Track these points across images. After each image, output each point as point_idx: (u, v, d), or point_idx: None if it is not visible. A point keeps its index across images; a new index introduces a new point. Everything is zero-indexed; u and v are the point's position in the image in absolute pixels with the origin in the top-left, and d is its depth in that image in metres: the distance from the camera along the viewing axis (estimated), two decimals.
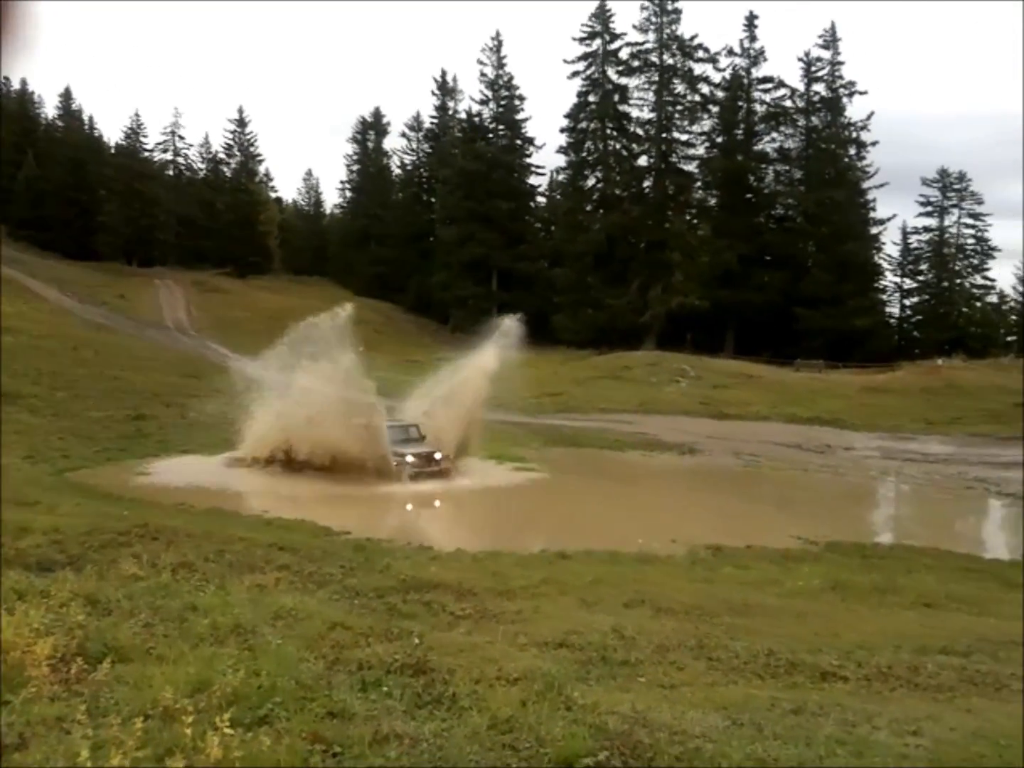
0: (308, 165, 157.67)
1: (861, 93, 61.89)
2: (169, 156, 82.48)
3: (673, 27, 62.50)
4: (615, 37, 64.23)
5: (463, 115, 74.69)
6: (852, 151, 62.96)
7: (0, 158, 67.05)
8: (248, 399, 20.63)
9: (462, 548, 12.73)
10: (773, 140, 65.18)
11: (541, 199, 77.48)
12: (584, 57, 64.81)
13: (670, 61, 62.93)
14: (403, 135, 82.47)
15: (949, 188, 63.66)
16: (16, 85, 77.43)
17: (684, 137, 64.67)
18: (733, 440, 29.02)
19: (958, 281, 63.87)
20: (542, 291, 63.28)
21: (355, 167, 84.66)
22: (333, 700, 4.37)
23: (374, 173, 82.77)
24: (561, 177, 71.90)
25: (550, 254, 68.91)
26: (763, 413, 35.67)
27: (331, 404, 19.71)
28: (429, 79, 79.35)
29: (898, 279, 65.74)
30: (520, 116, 71.27)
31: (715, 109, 64.35)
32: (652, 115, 63.89)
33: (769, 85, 64.02)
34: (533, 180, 74.35)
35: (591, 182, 67.56)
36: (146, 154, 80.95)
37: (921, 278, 65.41)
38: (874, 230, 63.16)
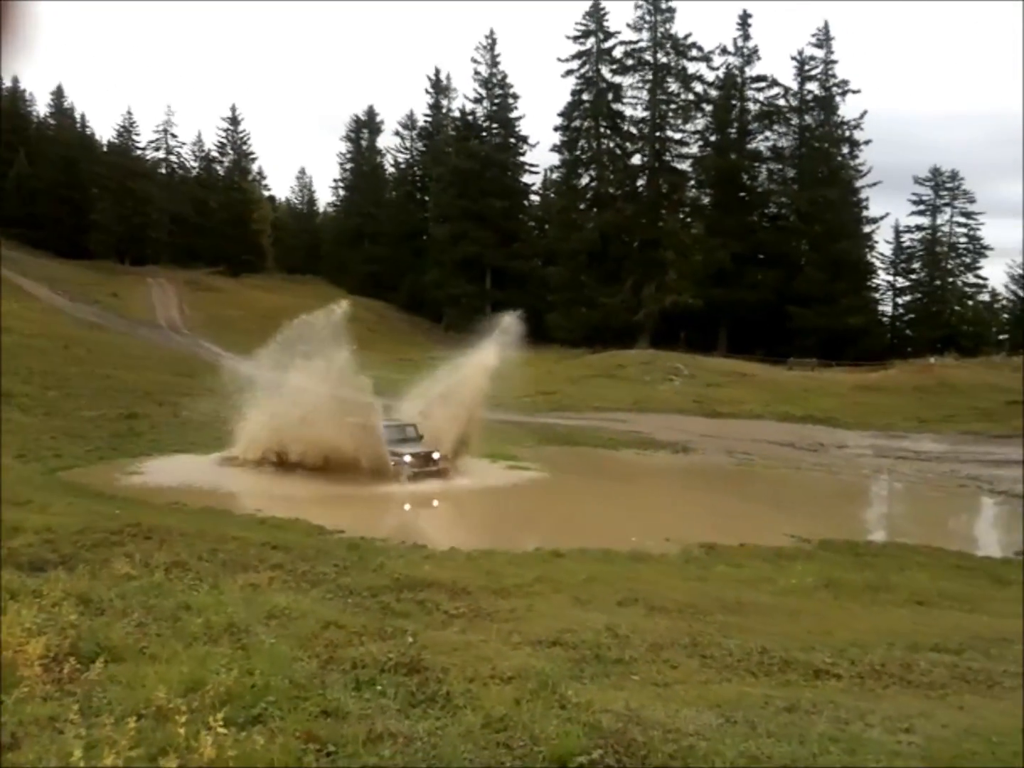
0: (301, 163, 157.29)
1: (854, 92, 62.29)
2: (162, 154, 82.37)
3: (667, 26, 62.69)
4: (609, 36, 64.31)
5: (457, 113, 74.84)
6: (845, 150, 63.20)
7: None
8: (241, 398, 20.53)
9: (456, 547, 12.73)
10: (766, 139, 65.47)
11: (535, 197, 77.70)
12: (578, 55, 64.87)
13: (664, 60, 63.04)
14: (396, 133, 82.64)
15: (941, 187, 63.96)
16: (7, 83, 77.12)
17: (678, 136, 64.91)
18: (726, 438, 29.07)
19: (950, 280, 64.15)
20: (536, 289, 63.34)
21: (348, 165, 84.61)
22: (327, 699, 4.36)
23: (367, 171, 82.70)
24: (555, 175, 71.94)
25: (544, 252, 68.96)
26: (756, 411, 35.74)
27: (326, 403, 19.52)
28: (423, 77, 79.13)
29: (891, 278, 66.13)
30: (514, 114, 71.36)
31: (708, 108, 64.50)
32: (646, 114, 64.00)
33: (762, 84, 64.24)
34: (527, 178, 74.60)
35: (585, 180, 67.64)
36: (138, 152, 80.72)
37: (914, 277, 65.67)
38: (867, 229, 63.47)
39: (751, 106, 65.18)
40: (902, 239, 65.72)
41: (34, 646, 4.48)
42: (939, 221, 64.51)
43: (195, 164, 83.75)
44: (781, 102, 64.25)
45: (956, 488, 22.13)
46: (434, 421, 21.34)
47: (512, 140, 72.01)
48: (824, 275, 57.98)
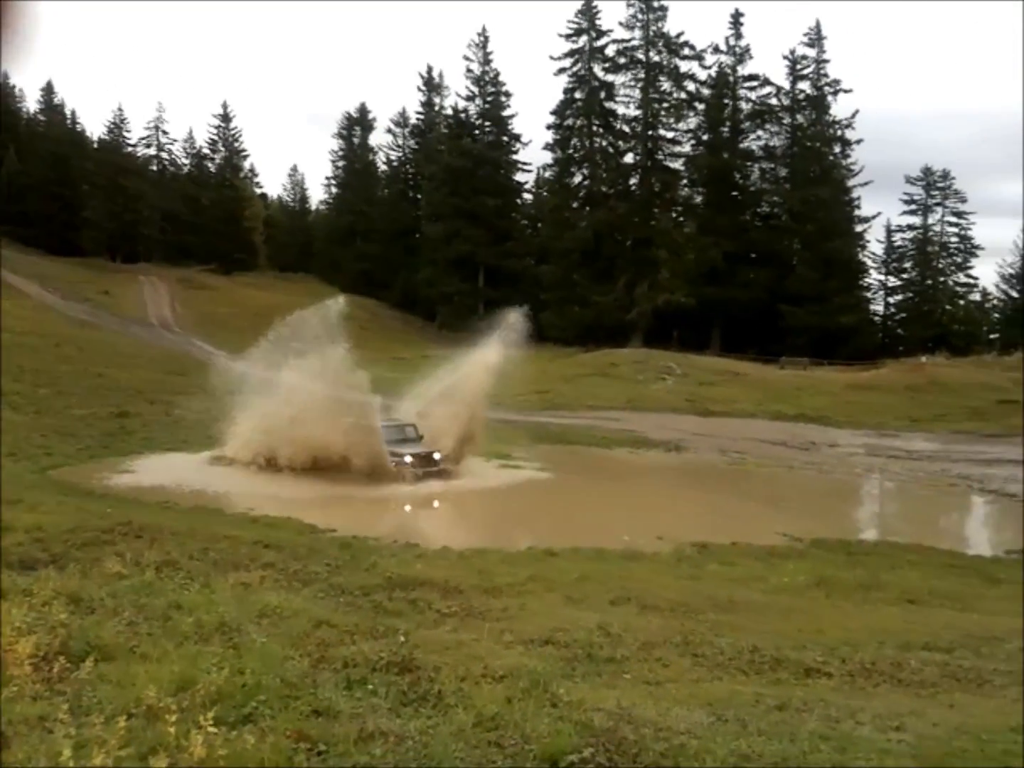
0: (293, 161, 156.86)
1: (846, 91, 62.37)
2: (153, 151, 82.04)
3: (659, 24, 62.63)
4: (601, 34, 64.27)
5: (449, 111, 74.69)
6: (837, 149, 63.36)
7: None
8: (234, 397, 20.37)
9: (448, 546, 12.73)
10: (759, 138, 65.52)
11: (527, 196, 77.64)
12: (570, 54, 64.83)
13: (656, 58, 63.04)
14: (389, 131, 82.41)
15: (933, 186, 64.12)
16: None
17: (670, 134, 64.87)
18: (719, 437, 29.12)
19: (941, 279, 64.35)
20: (529, 288, 63.30)
21: (341, 163, 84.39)
22: (318, 698, 4.36)
23: (360, 169, 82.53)
24: (547, 174, 71.96)
25: (536, 251, 68.93)
26: (749, 410, 35.80)
27: (322, 402, 19.29)
28: (415, 75, 79.24)
29: (882, 277, 66.25)
30: (506, 112, 71.28)
31: (701, 106, 64.52)
32: (638, 112, 63.98)
33: (755, 83, 64.28)
34: (519, 177, 74.49)
35: (577, 179, 67.60)
36: (130, 149, 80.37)
37: (905, 276, 65.85)
38: (859, 228, 63.58)
39: (743, 105, 65.27)
40: (893, 238, 65.94)
41: (24, 645, 4.47)
42: (930, 220, 64.72)
43: (187, 161, 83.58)
44: (773, 101, 64.40)
45: (947, 487, 22.21)
46: (434, 420, 21.10)
47: (505, 138, 71.96)
48: (816, 274, 58.13)
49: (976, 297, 65.10)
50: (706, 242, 59.85)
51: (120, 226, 74.66)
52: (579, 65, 64.85)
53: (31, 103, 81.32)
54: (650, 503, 19.33)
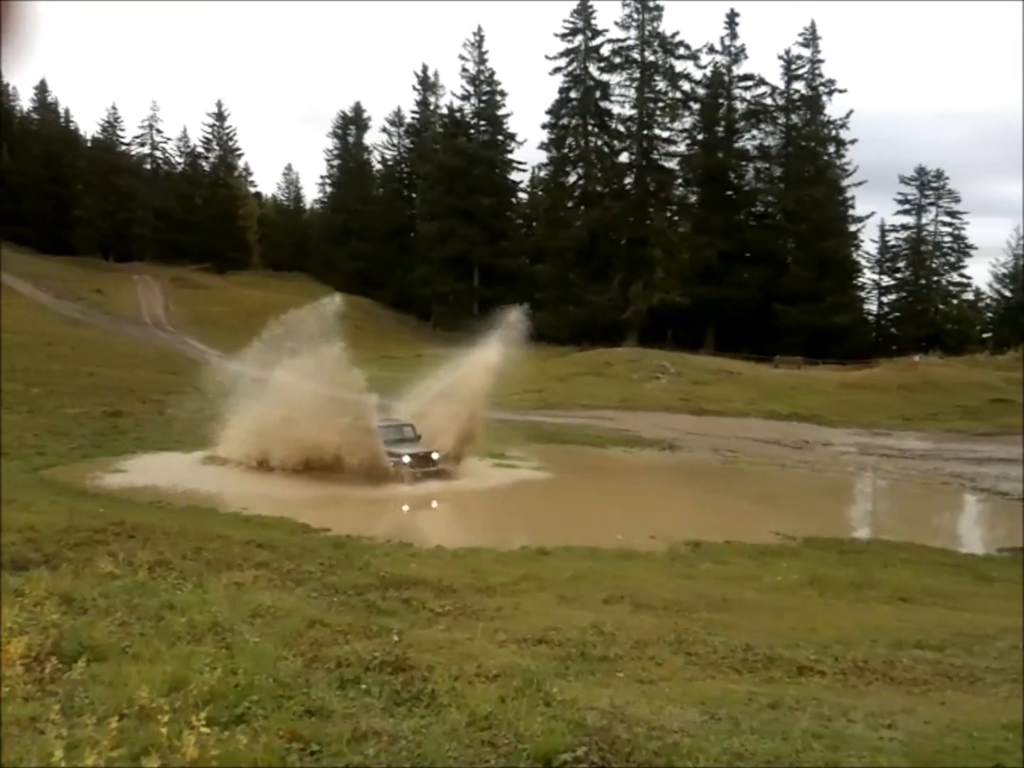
0: (288, 160, 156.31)
1: (840, 91, 62.56)
2: (147, 150, 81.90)
3: (655, 24, 62.73)
4: (597, 34, 64.32)
5: (444, 110, 74.72)
6: (831, 149, 63.50)
7: None
8: (227, 396, 20.30)
9: (442, 545, 12.72)
10: (753, 137, 65.66)
11: (522, 195, 77.68)
12: (566, 53, 64.86)
13: (651, 58, 63.10)
14: (384, 130, 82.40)
15: (927, 186, 64.33)
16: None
17: (665, 134, 64.95)
18: (712, 436, 29.16)
19: (935, 278, 64.55)
20: (524, 287, 63.29)
21: (335, 162, 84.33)
22: (311, 698, 4.35)
23: (354, 168, 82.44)
24: (543, 173, 71.93)
25: (531, 250, 68.95)
26: (742, 409, 35.85)
27: (316, 401, 19.12)
28: (410, 74, 79.05)
29: (876, 276, 66.43)
30: (501, 112, 71.29)
31: (696, 106, 64.61)
32: (633, 112, 64.06)
33: (750, 83, 64.43)
34: (514, 176, 74.56)
35: (572, 178, 67.66)
36: (123, 148, 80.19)
37: (899, 275, 66.04)
38: (853, 227, 63.75)
39: (738, 105, 65.40)
40: (887, 238, 66.15)
41: (16, 645, 4.45)
42: (924, 220, 64.97)
43: (180, 160, 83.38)
44: (768, 101, 64.53)
45: (939, 485, 22.28)
46: (433, 420, 20.92)
47: (500, 137, 71.96)
48: (810, 273, 58.26)
49: (969, 296, 65.47)
50: (701, 241, 59.95)
51: (113, 225, 74.46)
52: (574, 64, 64.89)
53: (24, 101, 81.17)
54: (644, 502, 19.34)
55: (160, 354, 44.77)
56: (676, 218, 66.77)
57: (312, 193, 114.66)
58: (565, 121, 66.36)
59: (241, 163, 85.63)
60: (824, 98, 62.79)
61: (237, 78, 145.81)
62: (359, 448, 19.03)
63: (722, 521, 16.43)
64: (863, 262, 65.69)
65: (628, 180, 65.20)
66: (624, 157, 65.75)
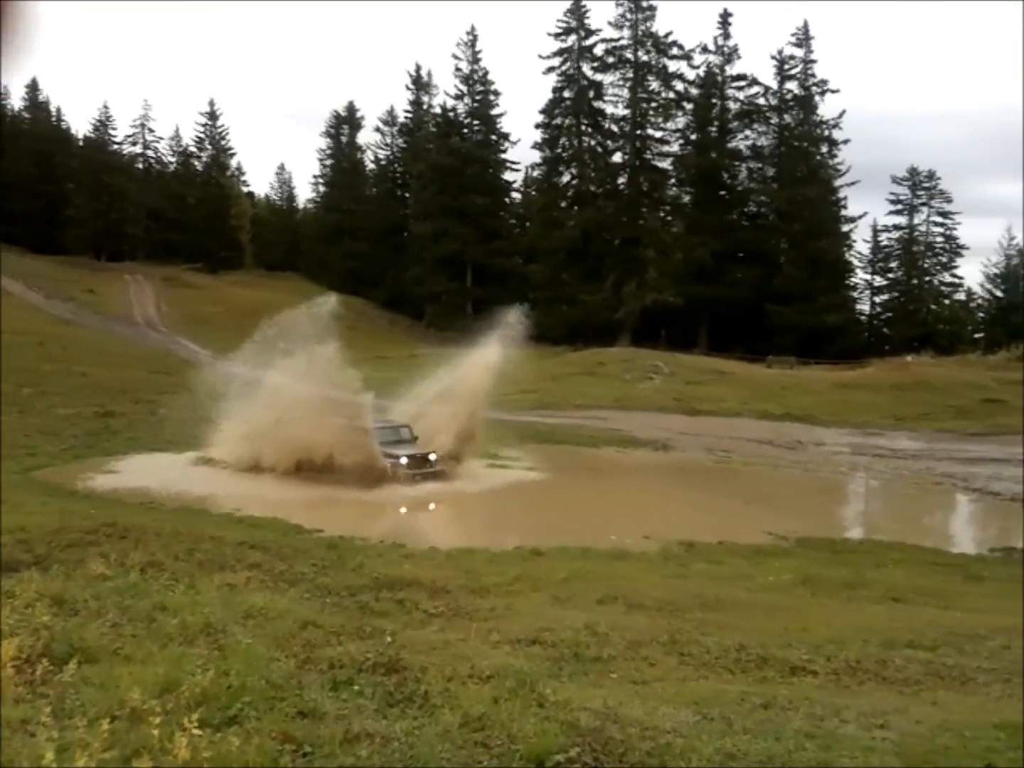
0: (281, 159, 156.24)
1: (833, 91, 62.64)
2: (139, 149, 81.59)
3: (648, 24, 62.74)
4: (590, 33, 64.34)
5: (438, 110, 74.55)
6: (824, 149, 63.63)
7: None
8: (220, 397, 20.21)
9: (435, 546, 12.71)
10: (746, 137, 65.72)
11: (516, 195, 77.68)
12: (559, 53, 64.87)
13: (645, 58, 63.14)
14: (377, 130, 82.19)
15: (919, 186, 64.48)
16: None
17: (658, 134, 64.98)
18: (706, 436, 29.20)
19: (927, 279, 64.73)
20: (517, 287, 63.29)
21: (328, 161, 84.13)
22: (304, 699, 4.35)
23: (347, 168, 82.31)
24: (536, 173, 71.98)
25: (525, 250, 68.94)
26: (735, 409, 35.90)
27: (311, 402, 18.98)
28: (403, 73, 78.99)
29: (868, 276, 66.56)
30: (495, 111, 71.23)
31: (689, 106, 64.66)
32: (627, 112, 64.06)
33: (743, 83, 64.47)
34: (508, 176, 74.46)
35: (566, 178, 67.66)
36: (115, 147, 79.89)
37: (891, 275, 66.20)
38: (845, 227, 63.89)
39: (731, 105, 65.46)
40: (880, 238, 66.27)
41: (6, 648, 4.44)
42: (916, 220, 65.07)
43: (173, 159, 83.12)
44: (761, 101, 64.61)
45: (931, 485, 22.35)
46: (431, 421, 20.78)
47: (493, 137, 71.93)
48: (803, 273, 58.42)
49: (961, 297, 65.60)
50: (694, 241, 60.04)
51: (105, 224, 74.19)
52: (568, 64, 64.91)
53: (15, 100, 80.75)
54: (637, 502, 19.35)
55: (152, 354, 44.63)
56: (669, 218, 66.84)
57: (305, 193, 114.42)
58: (558, 121, 66.37)
59: (233, 162, 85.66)
60: (817, 98, 62.97)
61: (230, 77, 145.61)
62: (354, 449, 18.89)
63: (715, 521, 16.45)
64: (855, 262, 65.97)
65: (621, 180, 65.25)
66: (617, 157, 65.85)
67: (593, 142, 66.61)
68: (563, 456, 24.97)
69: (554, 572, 10.60)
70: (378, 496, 18.20)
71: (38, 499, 14.02)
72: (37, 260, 65.69)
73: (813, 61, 62.87)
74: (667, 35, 62.63)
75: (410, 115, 79.78)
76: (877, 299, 66.34)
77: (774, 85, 63.94)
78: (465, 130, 71.39)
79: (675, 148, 65.52)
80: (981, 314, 65.08)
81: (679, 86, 63.93)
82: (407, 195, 78.26)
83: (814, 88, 62.83)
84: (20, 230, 69.35)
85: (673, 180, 66.84)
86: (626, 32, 62.90)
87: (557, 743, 3.96)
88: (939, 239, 64.79)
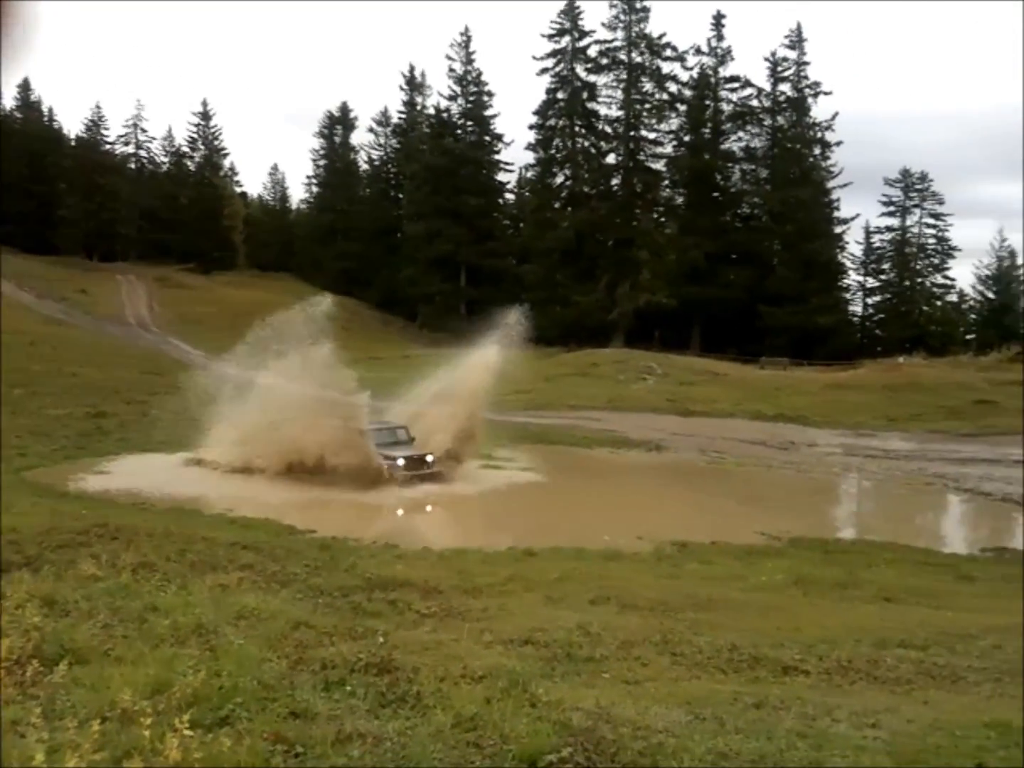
0: (274, 160, 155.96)
1: (826, 93, 62.87)
2: (131, 149, 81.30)
3: (641, 25, 62.88)
4: (584, 34, 64.42)
5: (431, 110, 74.60)
6: (817, 151, 63.82)
7: None
8: (213, 397, 20.11)
9: (428, 546, 12.71)
10: (740, 139, 65.91)
11: (510, 196, 77.67)
12: (553, 54, 64.93)
13: (638, 59, 63.25)
14: (370, 130, 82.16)
15: (911, 188, 64.67)
16: None
17: (652, 135, 65.08)
18: (699, 437, 29.24)
19: (919, 280, 64.93)
20: (511, 288, 63.29)
21: (322, 162, 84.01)
22: (296, 700, 4.34)
23: (341, 168, 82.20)
24: (530, 174, 71.95)
25: (518, 251, 68.97)
26: (728, 410, 35.97)
27: (305, 403, 18.88)
28: (397, 74, 78.88)
29: (861, 278, 66.73)
30: (489, 112, 71.25)
31: (683, 108, 64.81)
32: (620, 113, 64.18)
33: (736, 84, 64.68)
34: (501, 177, 74.53)
35: (559, 179, 67.76)
36: (107, 146, 79.53)
37: (883, 277, 66.40)
38: (838, 229, 64.10)
39: (724, 106, 65.67)
40: (872, 240, 66.46)
41: None
42: (908, 222, 65.27)
43: (165, 159, 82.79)
44: (754, 103, 64.79)
45: (923, 486, 22.43)
46: (429, 421, 20.70)
47: (487, 138, 71.95)
48: (796, 275, 58.60)
49: (953, 298, 65.80)
50: (687, 242, 60.14)
51: (97, 224, 73.93)
52: (561, 65, 65.00)
53: (7, 100, 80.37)
54: (631, 503, 19.37)
55: (144, 355, 44.48)
56: (663, 219, 66.96)
57: (298, 193, 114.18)
58: (552, 122, 66.44)
59: (227, 163, 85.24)
60: (809, 100, 63.18)
61: (223, 77, 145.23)
62: (348, 450, 18.79)
63: (708, 521, 16.49)
64: (848, 263, 66.16)
65: (615, 181, 65.36)
66: (611, 158, 65.96)
67: (587, 143, 66.71)
68: (557, 457, 24.98)
69: (547, 572, 10.61)
70: (372, 497, 18.15)
71: (29, 500, 13.97)
72: (29, 260, 65.41)
73: (806, 63, 63.20)
74: (660, 36, 62.86)
75: (404, 116, 79.76)
76: (869, 300, 66.60)
77: (767, 87, 64.28)
78: (459, 131, 71.38)
79: (668, 149, 65.74)
80: (973, 315, 65.32)
81: (672, 87, 64.13)
82: (400, 196, 78.21)
83: (807, 90, 63.07)
84: (12, 230, 68.96)
85: (666, 181, 66.97)
86: (620, 33, 63.11)
87: (549, 743, 3.95)
88: (931, 241, 65.04)
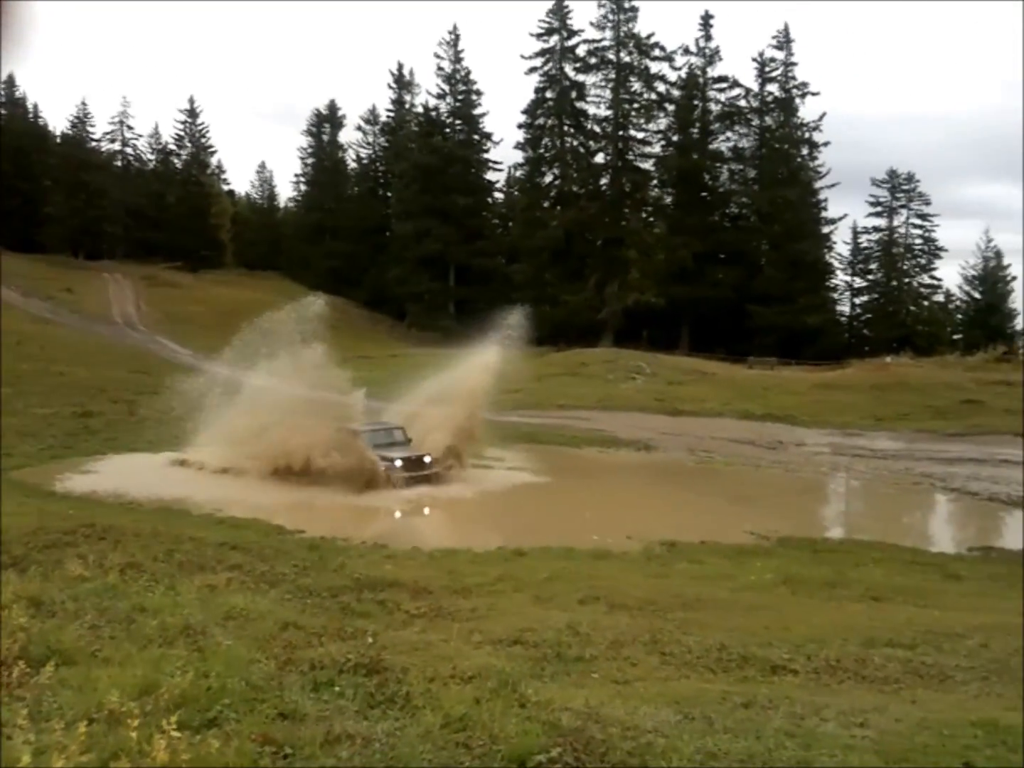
0: (262, 158, 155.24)
1: (813, 94, 63.17)
2: (117, 146, 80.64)
3: (630, 25, 62.97)
4: (572, 34, 64.48)
5: (420, 109, 74.46)
6: (804, 151, 64.10)
7: None
8: (201, 397, 19.97)
9: (418, 546, 12.69)
10: (728, 139, 66.11)
11: (498, 195, 77.68)
12: (541, 53, 64.96)
13: (627, 59, 63.34)
14: (359, 128, 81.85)
15: (898, 189, 64.98)
16: None
17: (640, 135, 65.20)
18: (687, 436, 29.31)
19: (906, 280, 65.25)
20: (499, 287, 63.25)
21: (310, 160, 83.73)
22: (284, 701, 4.32)
23: (329, 167, 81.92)
24: (518, 173, 72.02)
25: (507, 250, 68.99)
26: (717, 409, 36.06)
27: (294, 403, 18.74)
28: (385, 72, 78.81)
29: (848, 278, 67.01)
30: (477, 111, 71.25)
31: (671, 107, 64.96)
32: (609, 112, 64.28)
33: (724, 85, 64.86)
34: (490, 176, 74.57)
35: (548, 178, 67.83)
36: (93, 144, 78.89)
37: (871, 277, 66.70)
38: (825, 229, 64.39)
39: (713, 106, 65.84)
40: (859, 240, 66.72)
41: None
42: (895, 223, 65.59)
43: (152, 157, 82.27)
44: (742, 103, 65.01)
45: (911, 485, 22.55)
46: (428, 421, 20.58)
47: (475, 137, 71.92)
48: (783, 274, 58.84)
49: (940, 298, 66.15)
50: (676, 242, 60.29)
51: (83, 222, 73.39)
52: (550, 65, 65.03)
53: None
54: (619, 502, 19.39)
55: (131, 354, 44.23)
56: (651, 219, 67.10)
57: (286, 191, 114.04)
58: (541, 121, 66.47)
59: (214, 161, 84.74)
60: (797, 100, 63.48)
61: (210, 75, 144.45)
62: (340, 450, 18.63)
63: (697, 521, 16.53)
64: (835, 263, 66.41)
65: (604, 181, 65.44)
66: (600, 158, 66.05)
67: (575, 143, 66.78)
68: (546, 456, 24.99)
69: (536, 572, 10.61)
70: (362, 499, 18.08)
71: (15, 500, 13.87)
72: (14, 258, 64.75)
73: (794, 64, 63.47)
74: (649, 36, 62.97)
75: (392, 114, 79.57)
76: (857, 300, 66.88)
77: (755, 87, 64.50)
78: (447, 129, 71.32)
79: (657, 149, 65.88)
80: (960, 316, 65.74)
81: (661, 87, 64.27)
82: (389, 194, 78.06)
83: (795, 90, 63.36)
84: None
85: (655, 181, 67.13)
86: (608, 33, 63.19)
87: (539, 743, 3.95)
88: (918, 241, 65.37)
